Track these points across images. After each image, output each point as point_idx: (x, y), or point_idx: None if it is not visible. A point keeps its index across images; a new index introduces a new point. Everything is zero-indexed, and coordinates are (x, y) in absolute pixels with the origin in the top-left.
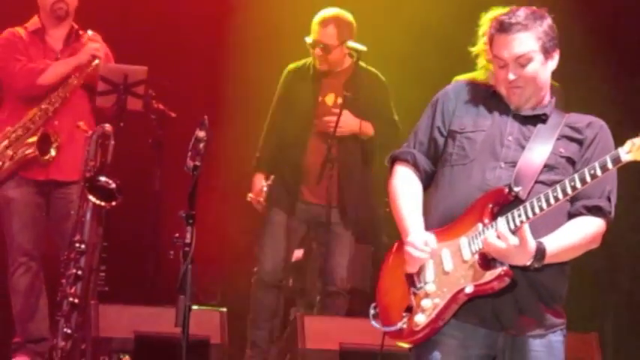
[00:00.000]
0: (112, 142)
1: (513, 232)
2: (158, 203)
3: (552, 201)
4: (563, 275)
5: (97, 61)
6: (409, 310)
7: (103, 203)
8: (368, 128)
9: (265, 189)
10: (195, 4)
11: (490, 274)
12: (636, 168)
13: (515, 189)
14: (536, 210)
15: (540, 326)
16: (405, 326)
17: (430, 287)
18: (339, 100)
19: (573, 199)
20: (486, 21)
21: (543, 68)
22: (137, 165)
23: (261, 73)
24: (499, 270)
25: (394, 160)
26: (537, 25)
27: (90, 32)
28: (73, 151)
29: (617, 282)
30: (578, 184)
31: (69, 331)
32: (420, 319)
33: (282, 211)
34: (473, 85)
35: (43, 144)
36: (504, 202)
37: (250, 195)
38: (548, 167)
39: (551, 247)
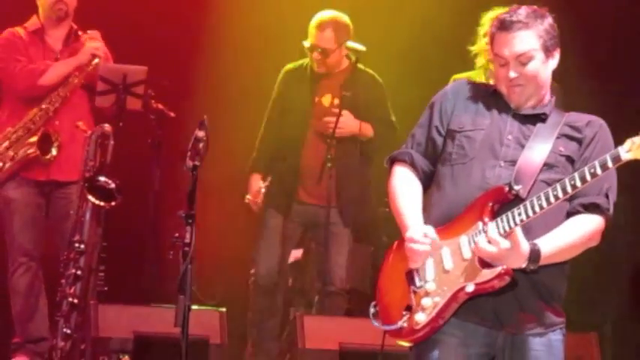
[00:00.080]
0: (112, 142)
1: (507, 235)
2: (157, 203)
3: (552, 200)
4: (563, 274)
5: (96, 60)
6: (409, 308)
7: (102, 203)
8: (367, 129)
9: (263, 190)
10: (194, 4)
11: (490, 273)
12: (636, 165)
13: (516, 187)
14: (537, 209)
15: (540, 325)
16: (405, 325)
17: (430, 286)
18: (336, 101)
19: (571, 198)
20: (487, 20)
21: (544, 67)
22: (136, 165)
23: (260, 73)
24: (499, 268)
25: (393, 161)
26: (538, 23)
27: (89, 31)
28: (73, 151)
29: (616, 281)
30: (579, 183)
31: (68, 331)
32: (421, 317)
33: (278, 214)
34: (472, 85)
35: (44, 143)
36: (504, 201)
37: (248, 197)
38: (547, 166)
39: (546, 248)
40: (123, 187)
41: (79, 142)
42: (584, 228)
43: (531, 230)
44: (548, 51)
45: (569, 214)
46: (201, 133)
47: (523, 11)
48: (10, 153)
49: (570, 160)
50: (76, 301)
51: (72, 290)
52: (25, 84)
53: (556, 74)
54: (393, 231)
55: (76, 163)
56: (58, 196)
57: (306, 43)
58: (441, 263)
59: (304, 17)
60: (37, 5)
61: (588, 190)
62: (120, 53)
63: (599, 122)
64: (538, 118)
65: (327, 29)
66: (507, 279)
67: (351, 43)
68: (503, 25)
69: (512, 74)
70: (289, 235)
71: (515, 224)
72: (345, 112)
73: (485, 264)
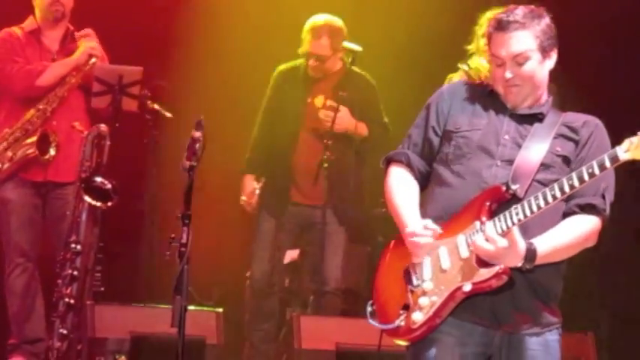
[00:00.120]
0: (108, 143)
1: (504, 234)
2: (153, 203)
3: (550, 199)
4: (559, 274)
5: (93, 60)
6: (406, 307)
7: (98, 204)
8: (362, 129)
9: (258, 191)
10: (189, 5)
11: (488, 272)
12: (631, 165)
13: (513, 187)
14: (534, 208)
15: (537, 324)
16: (402, 324)
17: (427, 285)
18: (329, 103)
19: (567, 198)
20: (485, 20)
21: (540, 67)
22: (133, 165)
23: (257, 74)
24: (497, 268)
25: (389, 162)
26: (535, 23)
27: (83, 30)
28: (69, 151)
29: (613, 281)
30: (576, 183)
31: (65, 331)
32: (418, 316)
33: (272, 217)
34: (468, 85)
35: (43, 144)
36: (502, 200)
37: (243, 198)
38: (544, 166)
39: (542, 247)
40: (119, 188)
41: (76, 142)
42: (581, 228)
43: (527, 230)
44: (544, 51)
45: (566, 215)
46: (197, 134)
47: (520, 11)
48: (9, 154)
49: (567, 160)
50: (72, 301)
51: (68, 291)
52: (23, 85)
53: (553, 73)
54: (389, 231)
55: (72, 163)
56: (54, 196)
57: (301, 50)
58: (438, 262)
59: (300, 17)
60: (34, 6)
61: (585, 191)
62: (115, 54)
63: (595, 122)
64: (535, 118)
65: (322, 37)
66: (505, 278)
67: (347, 44)
68: (500, 26)
69: (509, 74)
70: (284, 237)
71: (513, 224)
72: (342, 108)
73: (482, 263)
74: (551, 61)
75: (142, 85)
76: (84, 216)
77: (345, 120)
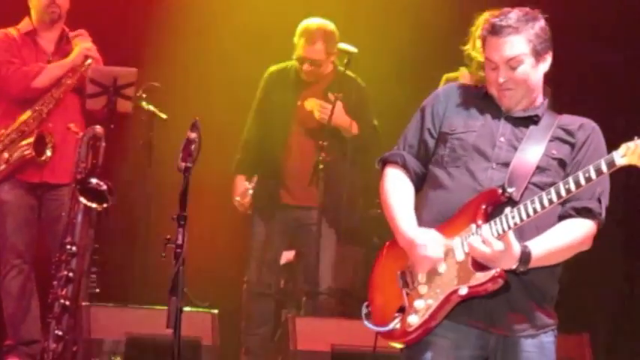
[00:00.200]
0: (103, 144)
1: (500, 237)
2: (149, 205)
3: (546, 204)
4: (554, 276)
5: (89, 61)
6: (402, 310)
7: (94, 205)
8: (354, 127)
9: (251, 191)
10: (183, 7)
11: (484, 276)
12: (626, 168)
13: (509, 190)
14: (530, 212)
15: (532, 326)
16: (397, 326)
17: (423, 288)
18: (317, 116)
19: (563, 201)
20: (481, 22)
21: (534, 71)
22: (128, 167)
23: (253, 74)
24: (493, 271)
25: (384, 163)
26: (529, 27)
27: (77, 30)
28: (65, 153)
29: (608, 282)
30: (573, 188)
31: (60, 333)
32: (413, 320)
33: (263, 220)
34: (464, 87)
35: (39, 145)
36: (497, 203)
37: (237, 199)
38: (539, 169)
39: (536, 250)
40: (114, 189)
41: (71, 144)
42: (576, 232)
43: (523, 232)
44: (538, 55)
45: (561, 218)
46: (193, 135)
47: (514, 15)
48: (5, 155)
49: (562, 163)
50: (67, 303)
51: (64, 292)
52: (19, 86)
53: (548, 75)
54: (384, 232)
55: (68, 165)
56: (49, 198)
57: (295, 55)
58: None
59: (296, 17)
60: (30, 7)
61: (581, 194)
62: (108, 55)
63: (591, 125)
64: (530, 120)
65: (317, 42)
66: (501, 282)
67: (342, 45)
68: (494, 30)
69: (502, 79)
70: (277, 238)
71: (509, 227)
72: (338, 103)
73: (478, 266)
74: (546, 64)
75: (137, 87)
76: (79, 217)
77: (340, 115)
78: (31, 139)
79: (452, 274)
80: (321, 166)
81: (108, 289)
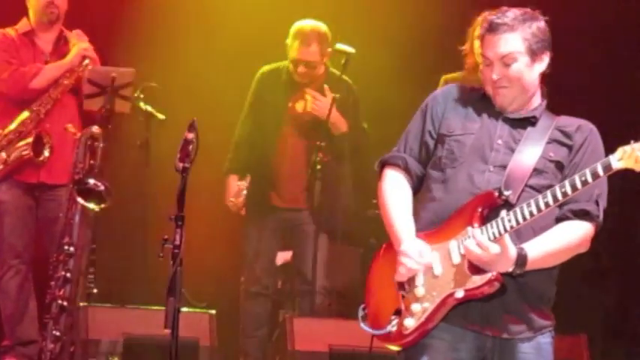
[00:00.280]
0: (101, 144)
1: (496, 240)
2: (147, 205)
3: (542, 207)
4: (551, 278)
5: (87, 61)
6: (398, 312)
7: (92, 206)
8: (343, 124)
9: (245, 192)
10: (181, 6)
11: (480, 279)
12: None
13: (506, 193)
14: (527, 215)
15: (529, 328)
16: (393, 329)
17: (419, 291)
18: (309, 107)
19: (561, 203)
20: (479, 22)
21: (529, 70)
22: (126, 167)
23: (250, 75)
24: (489, 275)
25: (384, 164)
26: (526, 26)
27: (74, 31)
28: (63, 153)
29: (605, 284)
30: (569, 191)
31: (58, 333)
32: (410, 322)
33: (256, 221)
34: (462, 89)
35: (37, 145)
36: (494, 206)
37: (232, 199)
38: (537, 171)
39: (532, 252)
40: (112, 190)
41: (69, 144)
42: (573, 234)
43: (519, 234)
44: (534, 54)
45: (559, 220)
46: (190, 135)
47: (511, 14)
48: (3, 155)
49: (560, 165)
50: (65, 303)
51: (61, 292)
52: (17, 87)
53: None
54: (381, 233)
55: (65, 165)
56: (47, 198)
57: (290, 57)
58: (430, 268)
59: (294, 17)
60: (28, 7)
61: (578, 197)
62: (106, 56)
63: (589, 127)
64: (528, 122)
65: (312, 44)
66: (497, 285)
67: (340, 45)
68: (490, 27)
69: (495, 76)
70: (271, 240)
71: (505, 230)
72: (329, 95)
73: (474, 269)
74: (542, 65)
75: (135, 87)
76: (77, 218)
77: (332, 110)
78: (29, 140)
79: (448, 277)
80: (318, 167)
81: (105, 289)
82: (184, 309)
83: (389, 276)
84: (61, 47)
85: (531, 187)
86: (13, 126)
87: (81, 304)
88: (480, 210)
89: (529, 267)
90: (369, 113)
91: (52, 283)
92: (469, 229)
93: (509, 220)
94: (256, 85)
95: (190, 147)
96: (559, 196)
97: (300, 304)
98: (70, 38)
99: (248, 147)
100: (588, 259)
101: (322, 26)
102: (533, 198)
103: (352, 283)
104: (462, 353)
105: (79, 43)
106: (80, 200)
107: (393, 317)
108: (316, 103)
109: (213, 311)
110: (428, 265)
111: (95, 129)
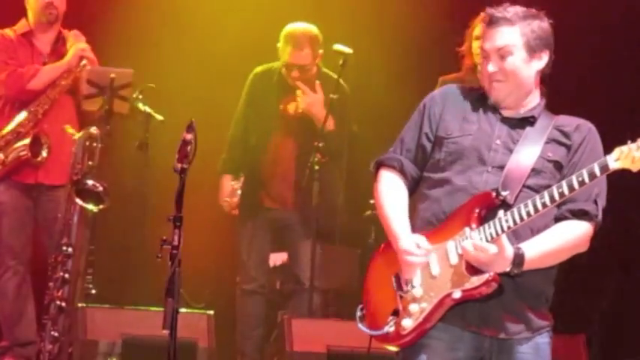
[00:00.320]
0: (99, 145)
1: (493, 240)
2: (145, 206)
3: (540, 207)
4: (549, 278)
5: (84, 62)
6: (396, 313)
7: (90, 206)
8: (330, 122)
9: (239, 192)
10: (179, 8)
11: (478, 280)
12: (621, 171)
13: (503, 193)
14: (524, 216)
15: (527, 329)
16: (391, 330)
17: (417, 291)
18: (300, 109)
19: (559, 203)
20: (477, 22)
21: (525, 65)
22: (124, 168)
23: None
24: (487, 275)
25: (379, 165)
26: (526, 22)
27: (71, 31)
28: (61, 154)
29: (604, 284)
30: (566, 191)
31: (56, 334)
32: (407, 323)
33: (249, 220)
34: (461, 89)
35: (35, 146)
36: (491, 206)
37: (226, 199)
38: (535, 171)
39: (530, 252)
40: (110, 190)
41: (67, 145)
42: (571, 234)
43: (517, 234)
44: (532, 51)
45: (557, 220)
46: (189, 136)
47: (513, 9)
48: (1, 157)
49: (558, 165)
50: (63, 304)
51: (60, 293)
52: (15, 88)
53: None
54: (379, 233)
55: (63, 166)
56: (45, 199)
57: (282, 60)
58: (428, 269)
59: (291, 18)
60: (27, 8)
61: (577, 196)
62: (104, 56)
63: (587, 126)
64: (527, 122)
65: (305, 48)
66: (494, 286)
67: (338, 46)
68: (490, 20)
69: (491, 68)
70: (264, 239)
71: (503, 231)
72: (319, 91)
73: (472, 270)
74: (541, 63)
75: (133, 87)
76: (75, 218)
77: (318, 105)
78: (26, 140)
79: (446, 278)
80: (316, 167)
81: (104, 290)
82: (183, 310)
83: (387, 276)
84: (59, 48)
85: (529, 187)
86: (10, 127)
87: (79, 304)
88: (477, 211)
89: (526, 267)
90: (366, 114)
91: (51, 283)
92: (466, 229)
93: (507, 221)
94: (249, 85)
95: (189, 148)
96: (556, 196)
97: (293, 303)
98: (67, 39)
99: (241, 147)
100: (587, 259)
101: (313, 29)
102: (530, 198)
103: (350, 284)
104: (459, 353)
105: (77, 44)
106: (78, 201)
107: (390, 318)
108: (303, 98)
109: (212, 312)
110: (429, 252)
111: (93, 130)
